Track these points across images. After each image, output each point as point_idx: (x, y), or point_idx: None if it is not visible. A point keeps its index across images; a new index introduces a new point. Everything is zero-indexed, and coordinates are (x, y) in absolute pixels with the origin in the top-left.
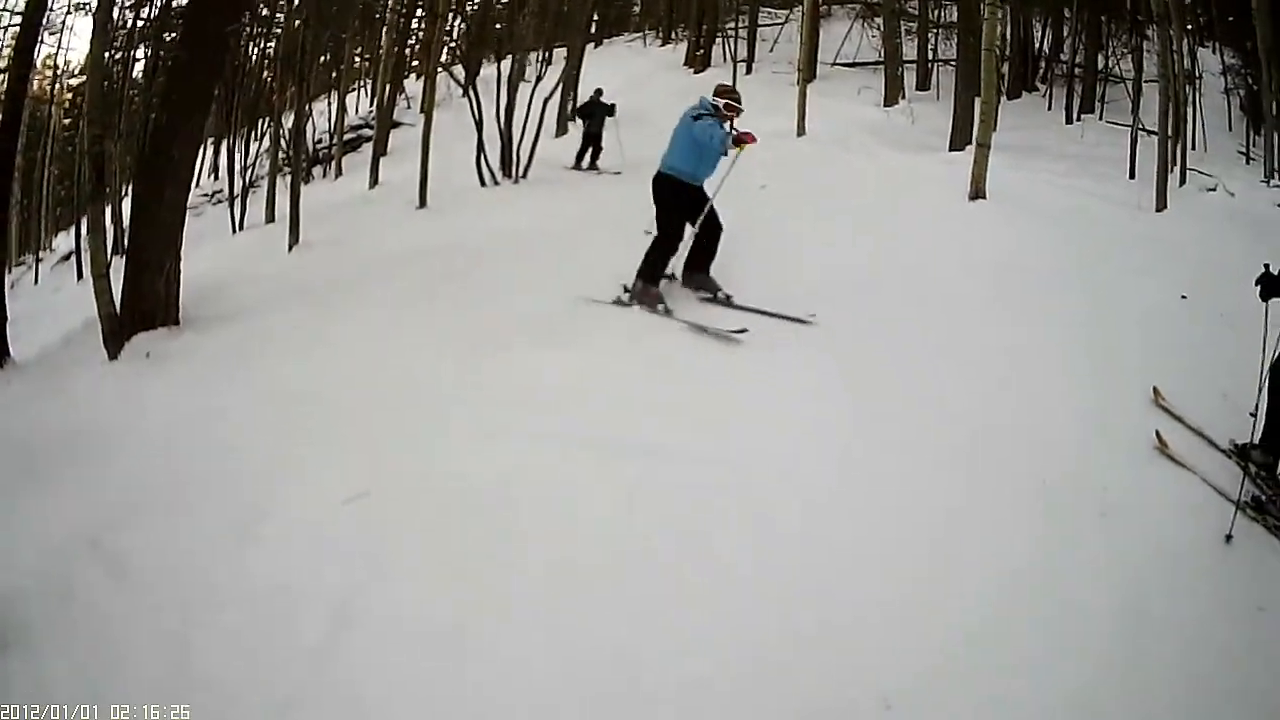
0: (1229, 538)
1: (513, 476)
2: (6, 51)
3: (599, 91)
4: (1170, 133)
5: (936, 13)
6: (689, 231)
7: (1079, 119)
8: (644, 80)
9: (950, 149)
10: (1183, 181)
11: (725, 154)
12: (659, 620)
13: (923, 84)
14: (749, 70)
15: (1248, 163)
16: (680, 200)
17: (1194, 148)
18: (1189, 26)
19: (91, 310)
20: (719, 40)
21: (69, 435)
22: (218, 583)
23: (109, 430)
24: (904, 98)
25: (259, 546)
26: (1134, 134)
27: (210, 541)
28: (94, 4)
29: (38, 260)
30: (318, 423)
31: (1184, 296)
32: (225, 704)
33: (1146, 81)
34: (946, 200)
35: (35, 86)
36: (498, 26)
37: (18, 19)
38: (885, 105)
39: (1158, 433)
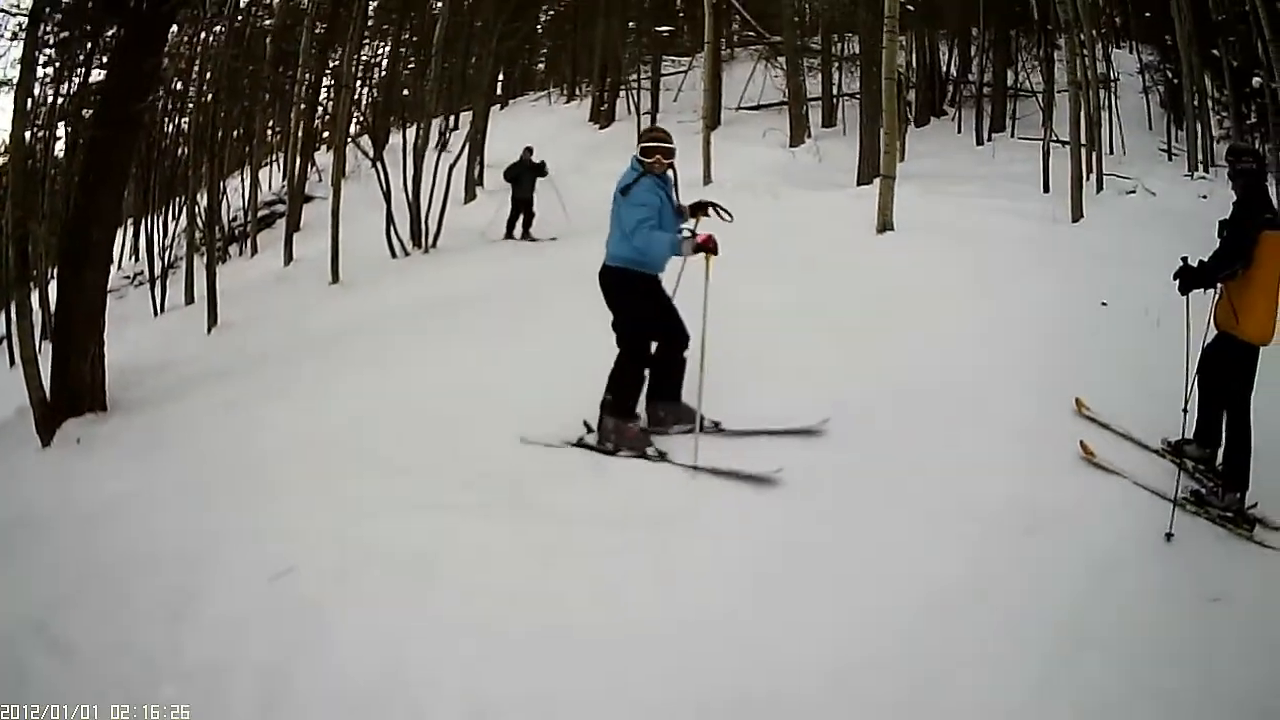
0: (1169, 536)
1: (433, 546)
2: None
3: (529, 150)
4: (1084, 140)
5: (839, 45)
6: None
7: (990, 139)
8: (551, 139)
9: (858, 183)
10: (1100, 188)
11: (679, 253)
12: (587, 680)
13: (829, 120)
14: (654, 121)
15: (1170, 159)
16: (633, 297)
17: (1111, 152)
18: (1102, 29)
19: (23, 397)
20: (623, 93)
21: (6, 522)
22: (155, 661)
23: (45, 516)
24: (810, 136)
25: (191, 624)
26: (1046, 147)
27: (146, 621)
28: (14, 81)
29: None
30: (241, 500)
31: (1104, 303)
32: None
33: (1059, 91)
34: (854, 236)
35: None
36: (404, 94)
37: None
38: (791, 145)
39: (1082, 442)
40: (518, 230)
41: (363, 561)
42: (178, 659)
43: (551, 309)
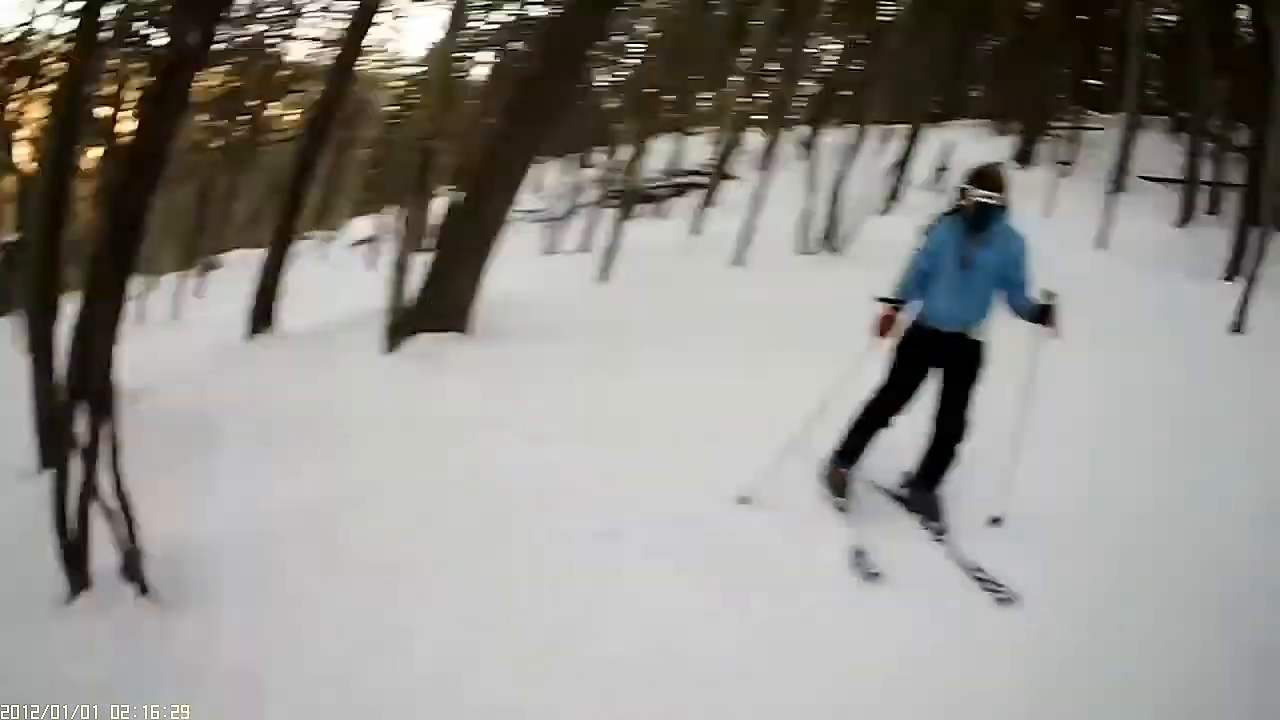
0: None
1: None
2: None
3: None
4: None
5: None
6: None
7: None
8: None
9: (1225, 278)
10: None
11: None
12: None
13: (1214, 207)
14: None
15: None
16: (910, 349)
17: None
18: None
19: (376, 300)
20: (1045, 139)
21: (321, 410)
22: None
23: (364, 414)
24: (1193, 219)
25: (490, 561)
26: None
27: (435, 542)
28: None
29: (329, 239)
30: (579, 447)
31: None
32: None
33: None
34: (1204, 333)
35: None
36: (846, 94)
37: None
38: (1179, 225)
39: None
40: None
41: (676, 543)
42: (453, 600)
43: None
